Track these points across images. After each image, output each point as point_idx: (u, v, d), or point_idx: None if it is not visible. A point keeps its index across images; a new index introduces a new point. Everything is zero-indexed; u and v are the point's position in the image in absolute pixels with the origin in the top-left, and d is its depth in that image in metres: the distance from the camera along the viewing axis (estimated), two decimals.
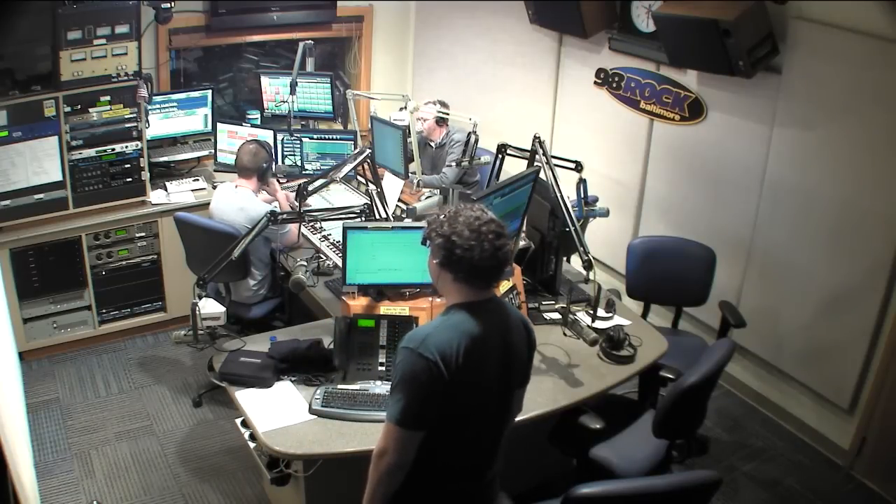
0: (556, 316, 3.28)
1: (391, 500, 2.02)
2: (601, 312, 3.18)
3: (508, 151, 3.49)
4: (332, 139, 4.68)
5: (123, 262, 4.35)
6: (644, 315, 3.76)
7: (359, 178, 4.45)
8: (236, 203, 3.75)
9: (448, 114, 4.60)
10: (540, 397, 2.79)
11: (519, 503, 2.44)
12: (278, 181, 4.18)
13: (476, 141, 3.89)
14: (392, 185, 4.21)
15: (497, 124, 4.89)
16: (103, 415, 3.89)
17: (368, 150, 3.49)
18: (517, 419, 2.28)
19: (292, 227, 3.79)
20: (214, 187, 4.36)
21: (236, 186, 3.83)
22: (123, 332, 4.48)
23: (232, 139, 4.54)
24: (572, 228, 2.99)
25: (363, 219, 3.22)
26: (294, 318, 3.69)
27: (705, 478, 2.29)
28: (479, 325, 2.00)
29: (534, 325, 3.17)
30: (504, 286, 3.21)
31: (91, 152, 4.08)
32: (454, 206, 2.08)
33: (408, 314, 2.94)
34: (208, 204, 3.97)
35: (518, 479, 2.82)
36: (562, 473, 3.06)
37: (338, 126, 5.23)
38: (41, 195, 3.99)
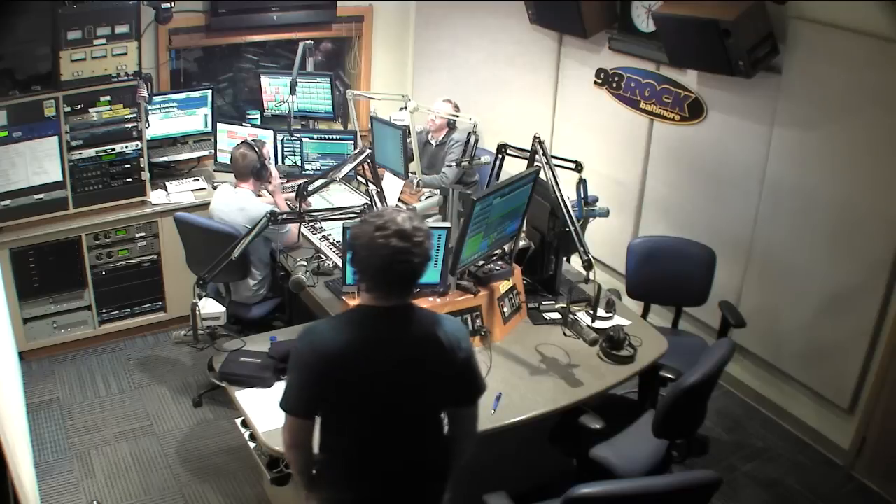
0: (556, 316, 3.29)
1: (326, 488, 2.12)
2: (601, 312, 3.18)
3: (508, 151, 3.49)
4: (332, 139, 4.68)
5: (123, 262, 4.35)
6: (644, 315, 3.76)
7: (359, 178, 4.45)
8: (236, 203, 3.75)
9: (458, 116, 4.60)
10: (540, 397, 2.79)
11: (519, 503, 2.44)
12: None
13: (476, 141, 3.89)
14: (392, 185, 4.21)
15: (497, 124, 4.89)
16: (103, 415, 3.89)
17: (368, 150, 3.49)
18: (480, 430, 2.24)
19: (292, 227, 3.79)
20: (214, 187, 4.36)
21: (236, 187, 3.83)
22: (123, 332, 4.48)
23: (232, 139, 4.53)
24: (572, 228, 2.99)
25: None
26: (294, 318, 3.69)
27: (705, 478, 2.29)
28: (377, 331, 1.98)
29: (534, 324, 3.24)
30: (504, 286, 3.21)
31: (91, 152, 4.08)
32: (382, 209, 2.05)
33: None
34: (208, 204, 3.97)
35: (518, 479, 2.82)
36: (562, 473, 3.05)
37: (338, 126, 5.23)
38: (41, 195, 3.99)
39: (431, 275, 2.99)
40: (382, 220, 1.94)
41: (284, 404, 2.02)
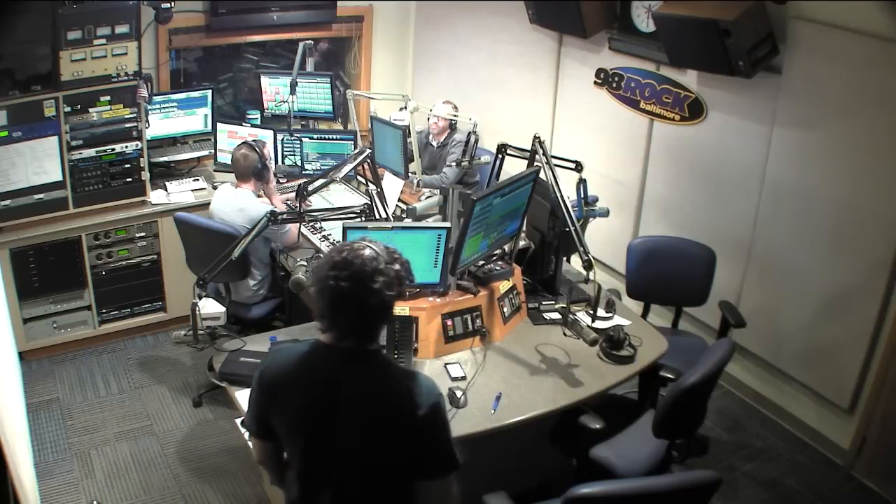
0: (556, 316, 3.29)
1: None
2: (601, 312, 3.18)
3: (508, 151, 3.49)
4: (332, 139, 4.68)
5: (123, 262, 4.35)
6: (644, 315, 3.76)
7: (359, 178, 4.45)
8: (236, 203, 3.75)
9: (457, 117, 4.60)
10: (540, 397, 2.79)
11: (519, 503, 2.44)
12: (278, 181, 4.18)
13: (476, 141, 3.89)
14: (392, 185, 4.21)
15: (497, 124, 4.90)
16: (103, 415, 3.89)
17: (368, 150, 3.49)
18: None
19: (292, 228, 3.79)
20: (214, 187, 4.36)
21: (237, 187, 3.84)
22: (123, 332, 4.48)
23: (232, 139, 4.54)
24: (572, 228, 2.99)
25: (363, 219, 3.22)
26: (294, 318, 3.69)
27: (705, 478, 2.29)
28: (322, 369, 1.85)
29: (534, 324, 3.24)
30: (504, 286, 3.21)
31: (91, 152, 4.08)
32: (354, 242, 1.88)
33: (408, 314, 2.95)
34: (208, 204, 3.98)
35: (518, 479, 2.82)
36: (562, 473, 3.05)
37: (338, 126, 5.23)
38: (41, 195, 3.99)
39: (431, 275, 3.00)
40: (341, 257, 1.80)
41: (244, 420, 2.02)
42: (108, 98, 4.02)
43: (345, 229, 2.88)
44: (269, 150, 3.96)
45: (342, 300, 1.79)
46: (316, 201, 4.08)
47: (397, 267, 1.84)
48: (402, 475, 1.89)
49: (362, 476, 1.88)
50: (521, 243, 3.43)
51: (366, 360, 1.86)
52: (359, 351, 1.85)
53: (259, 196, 3.89)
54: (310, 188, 3.29)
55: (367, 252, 1.81)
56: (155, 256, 4.43)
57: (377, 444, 1.85)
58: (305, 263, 3.23)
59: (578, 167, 3.34)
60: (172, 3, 4.06)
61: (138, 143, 4.21)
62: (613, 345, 3.02)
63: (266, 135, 4.52)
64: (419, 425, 1.83)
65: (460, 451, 1.91)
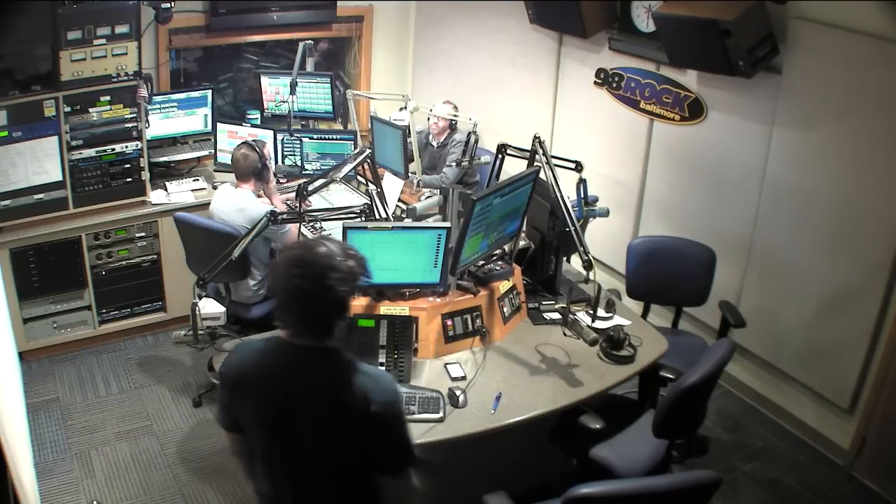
0: (556, 316, 3.29)
1: None
2: (601, 312, 3.18)
3: (508, 151, 3.48)
4: (332, 139, 4.68)
5: (123, 262, 4.35)
6: (644, 315, 3.76)
7: (359, 178, 4.45)
8: (236, 203, 3.75)
9: (457, 117, 4.60)
10: (540, 397, 2.79)
11: (519, 503, 2.44)
12: (278, 181, 4.18)
13: (476, 141, 3.89)
14: (392, 185, 4.21)
15: (497, 124, 4.90)
16: (103, 415, 3.89)
17: (368, 150, 3.49)
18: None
19: (292, 228, 3.79)
20: (214, 187, 4.36)
21: (237, 187, 3.84)
22: (123, 332, 4.48)
23: (232, 139, 4.54)
24: (572, 228, 2.99)
25: (363, 219, 3.22)
26: None
27: (705, 478, 2.29)
28: (278, 365, 1.88)
29: (534, 324, 3.24)
30: (504, 286, 3.21)
31: (91, 152, 4.08)
32: (314, 239, 1.92)
33: (408, 314, 2.95)
34: (208, 204, 3.98)
35: (518, 479, 2.82)
36: (562, 473, 3.05)
37: (338, 126, 5.23)
38: (41, 195, 3.99)
39: (431, 275, 3.00)
40: (296, 254, 1.85)
41: (216, 414, 2.05)
42: (108, 98, 4.03)
43: (345, 229, 2.88)
44: (269, 150, 3.96)
45: (297, 296, 1.82)
46: (316, 201, 4.08)
47: (352, 263, 1.85)
48: (359, 470, 1.93)
49: (321, 471, 1.91)
50: (521, 243, 3.43)
51: (322, 356, 1.88)
52: (316, 348, 1.87)
53: (259, 196, 3.89)
54: (310, 188, 3.29)
55: (322, 249, 1.84)
56: (155, 256, 4.43)
57: (333, 441, 1.87)
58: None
59: (578, 167, 3.34)
60: (172, 3, 4.06)
61: (138, 143, 4.21)
62: (613, 345, 3.02)
63: (266, 135, 4.52)
64: (374, 422, 1.85)
65: (419, 448, 1.95)
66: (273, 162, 4.25)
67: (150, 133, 4.39)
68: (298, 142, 4.59)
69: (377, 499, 1.99)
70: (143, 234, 4.36)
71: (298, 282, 1.81)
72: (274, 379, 1.88)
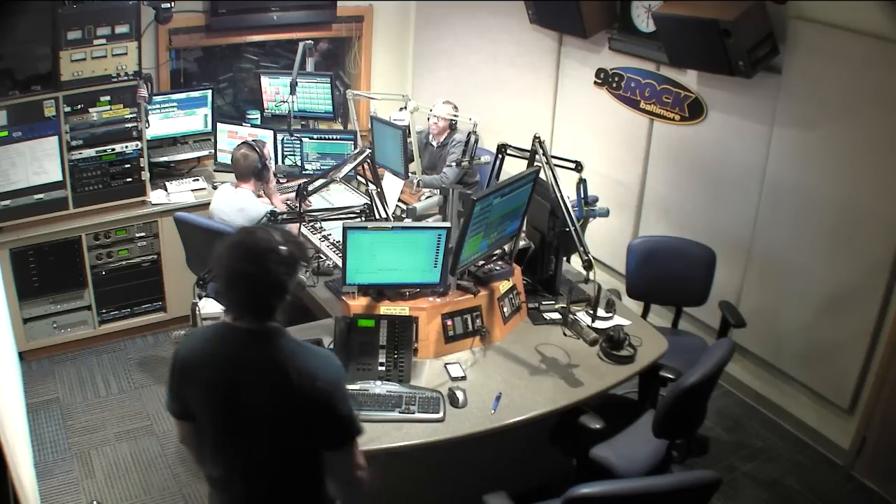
0: (556, 316, 3.29)
1: None
2: (601, 312, 3.18)
3: (508, 151, 3.48)
4: (332, 139, 4.68)
5: (123, 262, 4.35)
6: (644, 315, 3.76)
7: (359, 178, 4.45)
8: (236, 203, 3.75)
9: (457, 117, 4.60)
10: (540, 397, 2.79)
11: (519, 503, 2.44)
12: (278, 181, 4.18)
13: (476, 141, 3.89)
14: (392, 185, 4.21)
15: (497, 124, 4.90)
16: (103, 415, 3.89)
17: (368, 150, 3.49)
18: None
19: (292, 227, 3.79)
20: (214, 187, 4.36)
21: (236, 187, 3.84)
22: (123, 332, 4.48)
23: (232, 139, 4.54)
24: (572, 228, 2.99)
25: (363, 219, 3.22)
26: (294, 318, 3.68)
27: (705, 478, 2.29)
28: (224, 348, 1.94)
29: (534, 324, 3.24)
30: (504, 286, 3.21)
31: (91, 152, 4.08)
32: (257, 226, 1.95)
33: (408, 314, 2.95)
34: (208, 204, 3.98)
35: (518, 479, 2.82)
36: (562, 473, 3.05)
37: (338, 126, 5.23)
38: (41, 195, 3.99)
39: (431, 275, 3.00)
40: (238, 239, 1.91)
41: (165, 401, 2.10)
42: (108, 98, 4.03)
43: (345, 229, 2.88)
44: (268, 150, 3.96)
45: (237, 279, 1.88)
46: (316, 201, 4.08)
47: (292, 248, 1.92)
48: (306, 448, 1.97)
49: (269, 451, 1.96)
50: (521, 243, 3.42)
51: (264, 338, 1.93)
52: (258, 330, 1.92)
53: (259, 196, 3.89)
54: (310, 188, 3.29)
55: (261, 234, 1.91)
56: (155, 256, 4.43)
57: (278, 421, 1.92)
58: (305, 263, 3.23)
59: (578, 167, 3.34)
60: (172, 3, 4.06)
61: (138, 143, 4.21)
62: (613, 345, 3.02)
63: (266, 135, 4.52)
64: (316, 398, 1.89)
65: (360, 420, 1.99)
66: (273, 162, 4.25)
67: (150, 133, 4.39)
68: (298, 142, 4.59)
69: (321, 481, 2.03)
70: (143, 234, 4.36)
71: (239, 265, 1.87)
72: (219, 362, 1.94)
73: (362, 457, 2.02)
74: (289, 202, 4.07)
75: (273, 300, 1.91)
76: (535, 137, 3.26)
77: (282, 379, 1.89)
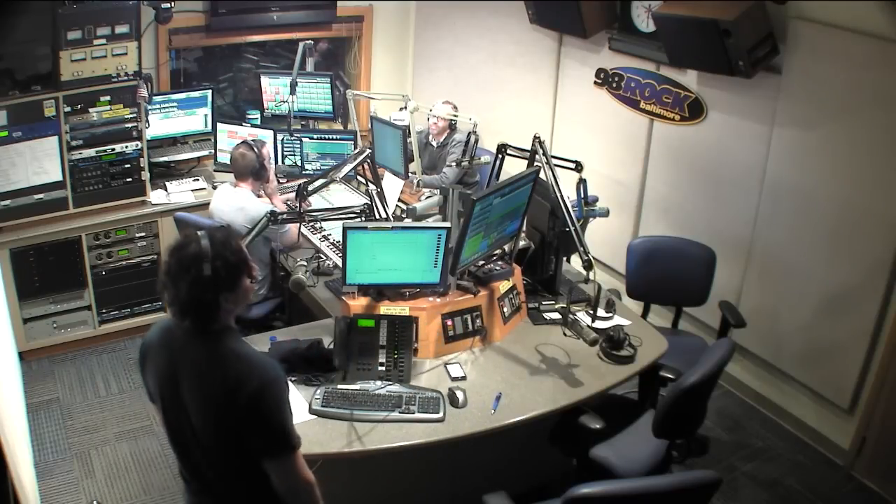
0: (556, 316, 3.29)
1: None
2: (601, 312, 3.18)
3: (508, 151, 3.49)
4: (332, 139, 4.68)
5: (123, 262, 4.35)
6: (644, 315, 3.76)
7: (359, 178, 4.45)
8: (236, 203, 3.75)
9: (457, 117, 4.60)
10: (540, 397, 2.79)
11: (519, 503, 2.44)
12: (278, 180, 4.18)
13: (476, 141, 3.89)
14: (392, 185, 4.21)
15: (497, 124, 4.90)
16: (103, 415, 3.89)
17: (368, 150, 3.49)
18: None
19: (292, 227, 3.79)
20: (214, 187, 4.36)
21: (236, 186, 3.84)
22: (123, 332, 4.48)
23: (232, 139, 4.54)
24: (572, 228, 2.99)
25: (363, 219, 3.22)
26: (294, 318, 3.69)
27: (705, 478, 2.29)
28: (168, 346, 1.99)
29: (534, 324, 3.24)
30: (504, 286, 3.21)
31: (91, 152, 4.08)
32: (206, 228, 1.97)
33: (408, 314, 2.95)
34: (208, 204, 3.98)
35: (518, 479, 2.82)
36: (562, 473, 3.05)
37: (338, 126, 5.23)
38: (41, 195, 3.99)
39: (431, 275, 3.00)
40: (179, 243, 1.93)
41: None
42: (108, 98, 4.03)
43: (345, 229, 2.88)
44: (268, 150, 3.95)
45: (166, 280, 1.92)
46: (316, 201, 4.08)
47: (217, 264, 1.88)
48: (242, 453, 1.94)
49: (210, 451, 1.97)
50: (521, 243, 3.42)
51: (203, 339, 1.94)
52: (197, 329, 1.93)
53: (259, 195, 3.88)
54: (310, 188, 3.29)
55: (193, 247, 1.89)
56: (155, 256, 4.43)
57: (211, 422, 1.93)
58: (305, 263, 3.24)
59: (578, 167, 3.34)
60: (172, 3, 4.06)
61: (138, 143, 4.21)
62: (613, 345, 3.02)
63: (266, 135, 4.52)
64: (246, 405, 1.87)
65: (296, 434, 1.96)
66: (272, 162, 4.25)
67: (150, 133, 4.39)
68: (298, 142, 4.59)
69: (268, 489, 1.98)
70: (143, 234, 4.36)
71: (170, 268, 1.91)
72: (166, 353, 1.99)
73: (306, 471, 1.97)
74: (289, 202, 4.07)
75: (197, 312, 1.91)
76: (535, 137, 3.26)
77: (210, 381, 1.90)
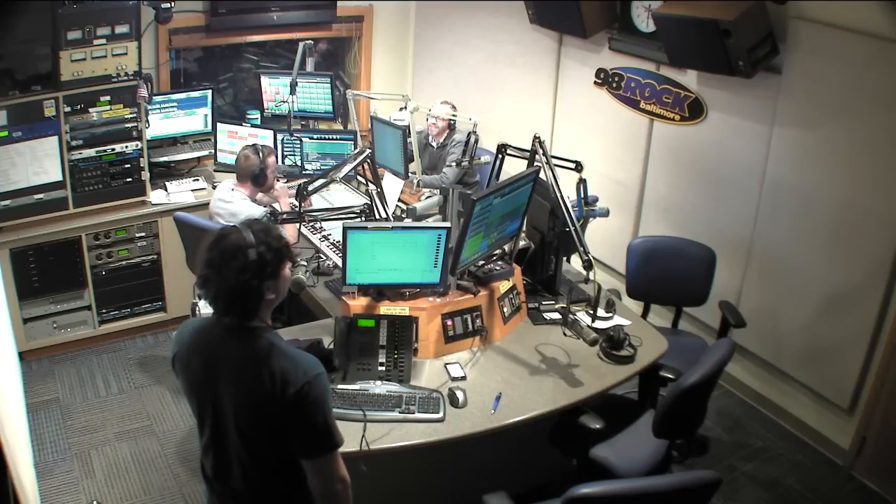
0: (556, 316, 3.29)
1: None
2: (601, 312, 3.18)
3: (508, 151, 3.49)
4: (332, 139, 4.68)
5: (123, 262, 4.35)
6: (644, 315, 3.76)
7: (359, 178, 4.45)
8: (229, 207, 3.76)
9: (456, 117, 4.60)
10: (540, 397, 2.79)
11: (519, 503, 2.44)
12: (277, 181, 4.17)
13: (476, 141, 3.89)
14: (392, 185, 4.21)
15: (497, 124, 4.89)
16: (103, 415, 3.89)
17: (368, 150, 3.49)
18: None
19: (288, 228, 3.79)
20: (214, 187, 4.36)
21: (233, 188, 3.83)
22: (123, 332, 4.48)
23: (232, 139, 4.54)
24: (572, 228, 2.99)
25: (363, 219, 3.22)
26: (294, 318, 3.68)
27: (705, 478, 2.29)
28: (206, 342, 1.97)
29: (534, 324, 3.24)
30: (504, 286, 3.21)
31: (91, 152, 4.08)
32: (236, 225, 1.98)
33: (408, 314, 2.95)
34: (208, 204, 3.98)
35: (518, 479, 2.82)
36: (562, 473, 3.05)
37: (338, 126, 5.23)
38: (41, 195, 3.99)
39: (431, 275, 3.00)
40: (213, 239, 1.92)
41: None
42: (108, 98, 4.03)
43: (345, 229, 2.88)
44: (273, 160, 3.93)
45: (206, 280, 1.91)
46: (316, 201, 4.08)
47: (261, 250, 1.88)
48: (281, 451, 1.93)
49: (247, 449, 1.95)
50: (521, 243, 3.42)
51: (244, 336, 1.93)
52: (239, 326, 1.92)
53: (255, 201, 3.87)
54: (310, 188, 3.29)
55: (234, 237, 1.89)
56: (155, 256, 4.43)
57: (250, 419, 1.91)
58: (305, 263, 3.24)
59: (578, 167, 3.34)
60: (172, 3, 4.06)
61: (138, 143, 4.21)
62: (613, 345, 3.02)
63: (266, 135, 4.52)
64: (289, 404, 1.85)
65: (338, 432, 1.94)
66: (277, 172, 4.21)
67: (150, 133, 4.39)
68: (298, 142, 4.59)
69: (302, 488, 1.97)
70: (143, 234, 4.36)
71: (207, 267, 1.89)
72: (200, 350, 1.97)
73: (343, 470, 1.95)
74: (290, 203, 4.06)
75: (243, 303, 1.90)
76: (535, 137, 3.26)
77: (252, 379, 1.87)
